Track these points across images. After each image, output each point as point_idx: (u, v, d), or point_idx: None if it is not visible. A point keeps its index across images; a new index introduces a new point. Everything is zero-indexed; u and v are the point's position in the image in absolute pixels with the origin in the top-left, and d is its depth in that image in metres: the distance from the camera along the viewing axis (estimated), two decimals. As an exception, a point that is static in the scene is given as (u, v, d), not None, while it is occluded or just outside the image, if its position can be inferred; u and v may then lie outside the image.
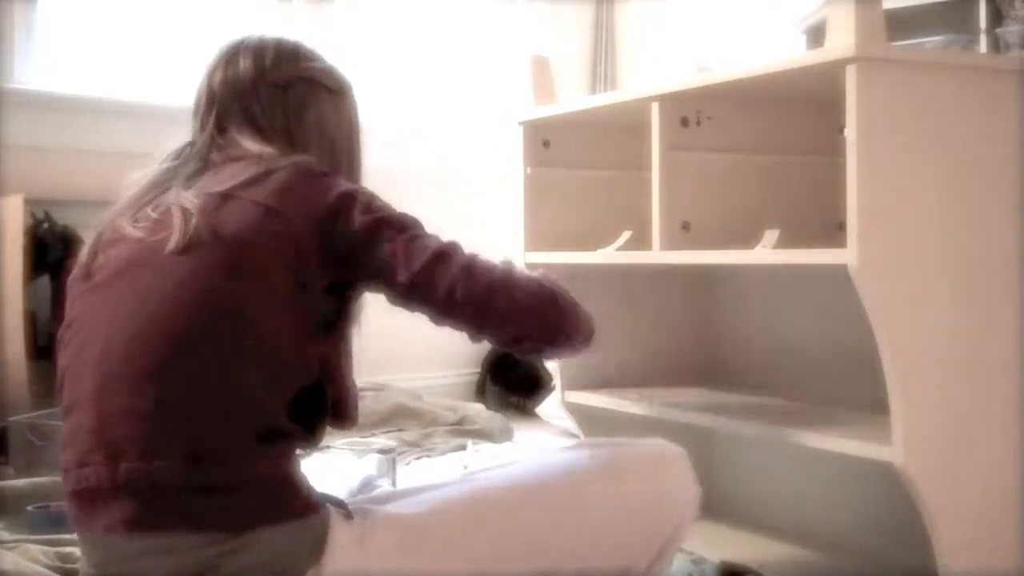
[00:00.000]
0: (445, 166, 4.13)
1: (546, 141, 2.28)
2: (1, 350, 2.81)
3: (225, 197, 1.31)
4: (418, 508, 1.34)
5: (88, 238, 1.39)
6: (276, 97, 1.46)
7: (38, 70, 3.31)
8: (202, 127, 1.46)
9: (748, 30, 4.04)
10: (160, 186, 1.38)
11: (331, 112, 1.50)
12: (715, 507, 2.23)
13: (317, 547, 1.24)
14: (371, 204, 1.35)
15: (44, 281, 3.08)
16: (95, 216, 1.44)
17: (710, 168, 1.97)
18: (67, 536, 1.97)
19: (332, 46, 3.85)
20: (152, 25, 3.61)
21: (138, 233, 1.31)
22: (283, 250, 1.28)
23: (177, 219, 1.28)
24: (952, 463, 1.59)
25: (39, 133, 3.15)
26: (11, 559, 1.81)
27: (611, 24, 4.64)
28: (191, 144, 1.45)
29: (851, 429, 1.73)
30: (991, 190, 1.65)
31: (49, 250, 3.08)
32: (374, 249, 1.33)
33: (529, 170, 2.28)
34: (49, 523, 2.03)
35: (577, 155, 2.31)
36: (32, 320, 2.99)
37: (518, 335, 1.38)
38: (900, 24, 2.32)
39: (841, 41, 1.53)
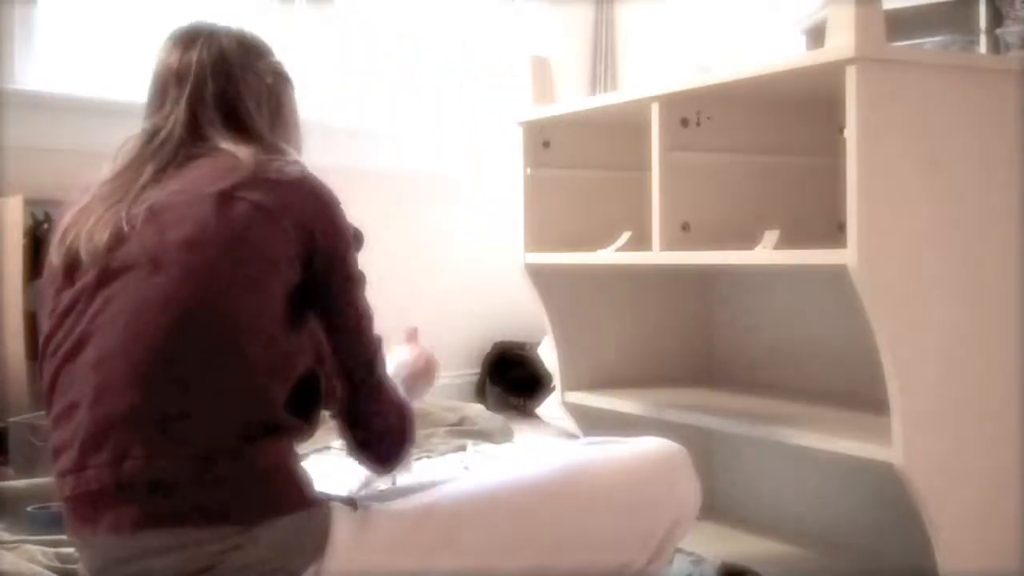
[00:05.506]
0: (445, 166, 4.13)
1: (546, 141, 2.28)
2: (1, 350, 2.81)
3: (221, 195, 1.28)
4: (418, 503, 1.35)
5: (56, 239, 1.35)
6: (260, 90, 1.45)
7: (38, 70, 3.30)
8: (171, 111, 1.41)
9: (748, 30, 4.04)
10: (136, 179, 1.35)
11: (294, 106, 1.53)
12: (715, 507, 2.23)
13: (320, 540, 1.24)
14: (348, 252, 1.36)
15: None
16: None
17: (710, 168, 1.97)
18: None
19: (332, 46, 3.88)
20: (152, 26, 3.61)
21: (122, 232, 1.29)
22: (275, 249, 1.28)
23: (168, 218, 1.28)
24: (952, 463, 1.59)
25: (39, 133, 3.14)
26: (11, 559, 1.80)
27: (611, 24, 4.64)
28: (155, 131, 1.41)
29: (851, 429, 1.73)
30: (991, 190, 1.65)
31: (49, 251, 3.07)
32: (339, 302, 1.35)
33: (529, 170, 2.27)
34: (49, 523, 2.03)
35: (577, 155, 2.31)
36: (32, 321, 2.99)
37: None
38: (900, 24, 2.31)
39: (841, 41, 1.53)
